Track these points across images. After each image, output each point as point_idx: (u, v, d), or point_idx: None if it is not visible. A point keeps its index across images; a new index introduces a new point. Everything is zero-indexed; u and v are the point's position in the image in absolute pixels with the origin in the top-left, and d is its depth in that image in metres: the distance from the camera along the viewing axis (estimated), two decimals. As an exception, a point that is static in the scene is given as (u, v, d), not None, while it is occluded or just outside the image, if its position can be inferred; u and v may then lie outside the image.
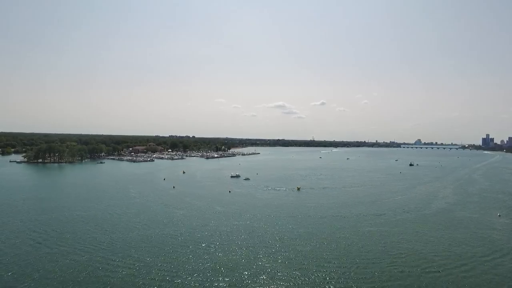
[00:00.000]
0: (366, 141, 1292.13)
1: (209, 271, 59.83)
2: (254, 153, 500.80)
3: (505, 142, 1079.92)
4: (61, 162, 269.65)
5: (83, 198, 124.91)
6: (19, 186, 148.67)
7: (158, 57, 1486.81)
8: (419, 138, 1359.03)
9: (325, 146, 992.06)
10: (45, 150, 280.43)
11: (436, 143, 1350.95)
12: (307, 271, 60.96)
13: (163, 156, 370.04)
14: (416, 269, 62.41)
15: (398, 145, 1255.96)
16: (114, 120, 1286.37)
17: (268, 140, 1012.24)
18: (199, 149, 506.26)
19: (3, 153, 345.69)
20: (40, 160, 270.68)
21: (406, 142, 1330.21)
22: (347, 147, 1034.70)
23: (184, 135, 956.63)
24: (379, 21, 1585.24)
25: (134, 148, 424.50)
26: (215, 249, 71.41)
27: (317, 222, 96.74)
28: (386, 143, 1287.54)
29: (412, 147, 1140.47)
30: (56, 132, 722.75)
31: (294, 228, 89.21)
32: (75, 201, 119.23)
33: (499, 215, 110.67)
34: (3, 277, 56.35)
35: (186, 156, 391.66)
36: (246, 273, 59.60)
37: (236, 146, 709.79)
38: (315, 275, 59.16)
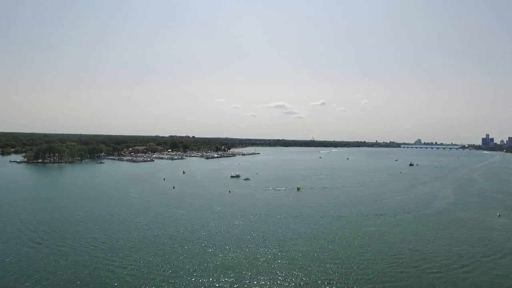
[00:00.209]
0: (366, 141, 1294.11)
1: (209, 271, 59.83)
2: (254, 153, 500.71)
3: (505, 142, 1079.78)
4: (61, 162, 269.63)
5: (83, 198, 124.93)
6: (19, 186, 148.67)
7: (158, 57, 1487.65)
8: (419, 138, 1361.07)
9: (325, 146, 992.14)
10: (45, 150, 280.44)
11: (436, 143, 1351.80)
12: (307, 271, 60.95)
13: (163, 156, 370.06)
14: (417, 269, 62.41)
15: (398, 145, 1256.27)
16: (114, 120, 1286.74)
17: (268, 140, 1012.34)
18: (199, 149, 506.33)
19: (3, 153, 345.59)
20: (40, 160, 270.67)
21: (406, 142, 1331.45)
22: (347, 147, 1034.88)
23: (184, 135, 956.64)
24: (379, 21, 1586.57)
25: (134, 148, 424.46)
26: (215, 249, 71.41)
27: (317, 222, 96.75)
28: (386, 143, 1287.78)
29: (412, 147, 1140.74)
30: (56, 132, 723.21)
31: (294, 228, 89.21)
32: (75, 201, 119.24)
33: (499, 215, 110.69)
34: (3, 277, 56.32)
35: (186, 156, 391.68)
36: (246, 273, 59.60)
37: (236, 146, 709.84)
38: (315, 275, 59.15)
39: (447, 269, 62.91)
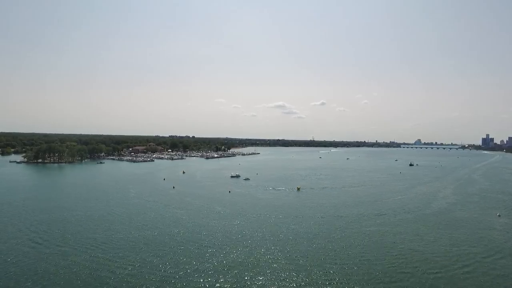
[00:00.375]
0: (366, 141, 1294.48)
1: (209, 271, 59.83)
2: (254, 153, 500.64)
3: (505, 142, 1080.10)
4: (61, 162, 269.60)
5: (83, 198, 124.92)
6: (19, 186, 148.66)
7: (158, 57, 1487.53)
8: (419, 138, 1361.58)
9: (325, 146, 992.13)
10: (45, 150, 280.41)
11: (436, 143, 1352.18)
12: (307, 271, 60.95)
13: (163, 156, 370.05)
14: (417, 270, 62.40)
15: (398, 145, 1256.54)
16: (114, 120, 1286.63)
17: (268, 140, 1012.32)
18: (199, 149, 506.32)
19: (3, 153, 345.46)
20: (40, 160, 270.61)
21: (406, 142, 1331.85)
22: (347, 147, 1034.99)
23: (184, 135, 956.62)
24: (379, 21, 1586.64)
25: (134, 148, 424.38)
26: (215, 249, 71.40)
27: (318, 222, 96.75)
28: (386, 143, 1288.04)
29: (412, 147, 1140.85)
30: (56, 132, 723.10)
31: (294, 228, 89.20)
32: (75, 201, 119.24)
33: (499, 215, 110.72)
34: (3, 278, 56.31)
35: (186, 156, 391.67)
36: (247, 273, 59.60)
37: (236, 146, 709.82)
38: (315, 275, 59.15)
39: (448, 269, 62.91)
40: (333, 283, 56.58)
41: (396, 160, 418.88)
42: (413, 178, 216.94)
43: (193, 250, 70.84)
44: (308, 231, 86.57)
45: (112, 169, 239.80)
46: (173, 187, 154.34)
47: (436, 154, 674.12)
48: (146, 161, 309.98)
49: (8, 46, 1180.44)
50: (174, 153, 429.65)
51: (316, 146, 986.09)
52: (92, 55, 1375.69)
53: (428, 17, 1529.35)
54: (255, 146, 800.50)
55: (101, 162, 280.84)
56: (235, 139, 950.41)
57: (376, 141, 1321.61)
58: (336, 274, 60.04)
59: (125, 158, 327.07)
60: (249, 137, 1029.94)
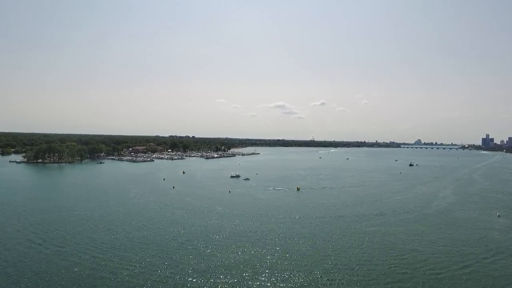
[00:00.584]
0: (366, 141, 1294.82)
1: (209, 271, 59.86)
2: (254, 153, 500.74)
3: (505, 142, 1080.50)
4: (61, 162, 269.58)
5: (83, 198, 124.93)
6: (19, 186, 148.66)
7: (158, 57, 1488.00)
8: (419, 138, 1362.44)
9: (325, 146, 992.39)
10: (45, 150, 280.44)
11: (436, 143, 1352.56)
12: (308, 271, 60.96)
13: (163, 156, 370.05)
14: (418, 270, 62.41)
15: (398, 145, 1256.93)
16: (114, 120, 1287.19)
17: (268, 140, 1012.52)
18: (199, 149, 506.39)
19: (3, 153, 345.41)
20: (40, 160, 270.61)
21: (406, 142, 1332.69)
22: (347, 147, 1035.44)
23: (184, 135, 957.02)
24: (379, 21, 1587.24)
25: (134, 148, 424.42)
26: (215, 249, 71.42)
27: (318, 222, 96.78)
28: (386, 143, 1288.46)
29: (412, 147, 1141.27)
30: (56, 132, 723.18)
31: (294, 228, 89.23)
32: (75, 201, 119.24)
33: (499, 215, 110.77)
34: (2, 278, 56.29)
35: (186, 156, 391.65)
36: (247, 273, 59.62)
37: (236, 146, 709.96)
38: (316, 275, 59.17)
39: (448, 270, 62.92)
40: (334, 283, 56.60)
41: (396, 160, 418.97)
42: (413, 178, 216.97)
43: (193, 250, 70.85)
44: (308, 231, 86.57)
45: (112, 169, 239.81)
46: (173, 187, 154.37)
47: (436, 154, 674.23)
48: (146, 161, 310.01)
49: (8, 46, 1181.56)
50: (174, 153, 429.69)
51: (316, 146, 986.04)
52: (92, 55, 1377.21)
53: (428, 17, 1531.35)
54: (255, 146, 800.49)
55: (101, 162, 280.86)
56: (235, 139, 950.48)
57: (376, 141, 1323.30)
58: (336, 274, 60.04)
59: (125, 158, 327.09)
60: (249, 137, 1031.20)
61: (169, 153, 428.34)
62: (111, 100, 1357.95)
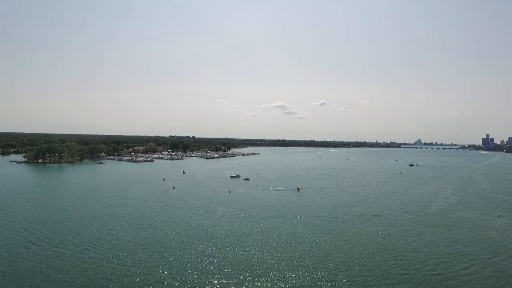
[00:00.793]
0: (366, 141, 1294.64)
1: (209, 271, 59.83)
2: (254, 154, 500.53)
3: (505, 142, 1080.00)
4: (61, 162, 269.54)
5: (83, 198, 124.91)
6: (19, 186, 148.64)
7: (159, 57, 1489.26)
8: (419, 138, 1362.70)
9: (325, 146, 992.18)
10: (45, 150, 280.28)
11: (436, 143, 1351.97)
12: (308, 271, 60.94)
13: (163, 156, 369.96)
14: (418, 270, 62.40)
15: (398, 145, 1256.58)
16: (114, 120, 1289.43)
17: (268, 140, 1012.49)
18: (199, 149, 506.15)
19: (3, 153, 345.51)
20: (40, 160, 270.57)
21: (406, 142, 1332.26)
22: (347, 147, 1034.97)
23: (184, 135, 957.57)
24: (380, 21, 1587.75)
25: (134, 148, 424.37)
26: (215, 249, 71.41)
27: (318, 222, 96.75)
28: (386, 143, 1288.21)
29: (412, 147, 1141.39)
30: (56, 132, 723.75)
31: (295, 229, 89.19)
32: (75, 201, 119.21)
33: (499, 215, 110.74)
34: (7, 276, 56.25)
35: (186, 156, 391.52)
36: (247, 273, 59.59)
37: (236, 147, 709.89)
38: (316, 276, 59.13)
39: (449, 270, 62.90)
40: (335, 283, 56.55)
41: (396, 161, 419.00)
42: (413, 178, 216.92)
43: (193, 250, 70.81)
44: (308, 231, 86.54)
45: (112, 169, 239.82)
46: (173, 187, 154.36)
47: (436, 154, 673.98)
48: (146, 161, 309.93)
49: (9, 47, 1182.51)
50: (174, 153, 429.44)
51: (316, 146, 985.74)
52: (93, 56, 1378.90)
53: (428, 16, 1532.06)
54: (255, 146, 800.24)
55: (101, 162, 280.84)
56: (235, 140, 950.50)
57: (376, 141, 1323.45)
58: (337, 274, 59.99)
59: (125, 158, 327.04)
60: (249, 138, 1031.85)
61: (169, 153, 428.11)
62: (111, 100, 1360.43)
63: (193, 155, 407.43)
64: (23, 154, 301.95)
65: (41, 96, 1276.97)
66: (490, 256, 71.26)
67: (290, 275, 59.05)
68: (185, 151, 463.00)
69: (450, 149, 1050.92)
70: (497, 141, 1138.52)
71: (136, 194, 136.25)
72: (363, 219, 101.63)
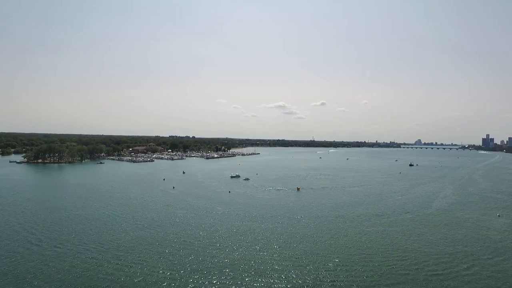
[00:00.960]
0: (366, 141, 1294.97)
1: (209, 272, 59.82)
2: (254, 154, 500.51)
3: (505, 142, 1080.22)
4: (61, 163, 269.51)
5: (83, 198, 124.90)
6: (19, 186, 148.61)
7: (159, 57, 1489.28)
8: (419, 138, 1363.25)
9: (325, 146, 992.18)
10: (45, 150, 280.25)
11: (436, 143, 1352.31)
12: (307, 271, 60.94)
13: (163, 156, 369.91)
14: (418, 270, 62.40)
15: (398, 145, 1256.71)
16: (114, 120, 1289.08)
17: (268, 140, 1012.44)
18: (199, 149, 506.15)
19: (3, 153, 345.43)
20: (40, 161, 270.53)
21: (406, 142, 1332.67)
22: (347, 147, 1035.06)
23: (184, 135, 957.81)
24: (380, 21, 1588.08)
25: (134, 148, 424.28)
26: (215, 249, 71.39)
27: (318, 222, 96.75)
28: (386, 143, 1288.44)
29: (412, 147, 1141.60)
30: (56, 132, 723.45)
31: (295, 229, 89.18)
32: (75, 201, 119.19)
33: (499, 215, 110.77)
34: (6, 277, 56.27)
35: (186, 156, 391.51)
36: (247, 273, 59.60)
37: (236, 147, 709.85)
38: (316, 276, 59.13)
39: (449, 270, 62.91)
40: (335, 283, 56.54)
41: (396, 161, 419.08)
42: (413, 178, 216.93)
43: (193, 250, 70.82)
44: (308, 231, 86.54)
45: (112, 169, 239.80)
46: (173, 187, 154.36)
47: (436, 154, 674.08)
48: (146, 161, 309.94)
49: (9, 47, 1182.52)
50: (174, 153, 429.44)
51: (316, 146, 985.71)
52: (93, 56, 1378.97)
53: (428, 16, 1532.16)
54: (255, 146, 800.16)
55: (101, 162, 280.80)
56: (235, 140, 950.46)
57: (376, 141, 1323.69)
58: (336, 274, 60.01)
59: (125, 158, 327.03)
60: (249, 138, 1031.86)
61: (169, 153, 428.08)
62: (111, 100, 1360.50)
63: (193, 155, 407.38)
64: (23, 154, 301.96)
65: (41, 96, 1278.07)
66: (490, 256, 71.28)
67: (290, 275, 59.04)
68: (185, 151, 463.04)
69: (450, 149, 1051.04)
70: (497, 141, 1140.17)
71: (136, 194, 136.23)
72: (363, 219, 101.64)
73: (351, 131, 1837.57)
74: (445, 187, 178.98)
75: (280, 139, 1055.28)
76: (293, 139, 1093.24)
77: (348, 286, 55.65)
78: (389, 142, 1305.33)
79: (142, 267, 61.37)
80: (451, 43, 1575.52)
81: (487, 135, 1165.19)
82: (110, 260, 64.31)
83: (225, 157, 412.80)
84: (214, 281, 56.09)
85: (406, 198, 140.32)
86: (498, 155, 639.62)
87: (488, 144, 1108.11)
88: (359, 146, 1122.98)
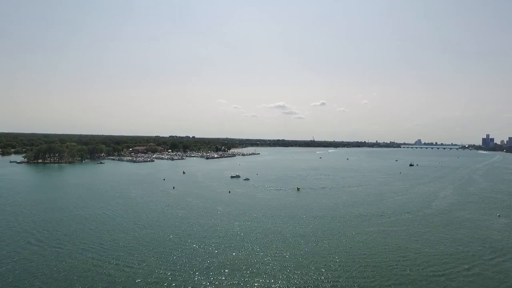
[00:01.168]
0: (366, 141, 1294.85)
1: (209, 272, 59.82)
2: (254, 154, 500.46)
3: (505, 142, 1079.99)
4: (61, 163, 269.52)
5: (83, 198, 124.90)
6: (19, 187, 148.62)
7: (159, 57, 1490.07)
8: (419, 138, 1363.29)
9: (325, 146, 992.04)
10: (45, 150, 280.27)
11: (436, 143, 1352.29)
12: (307, 271, 60.95)
13: (163, 156, 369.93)
14: (418, 269, 62.40)
15: (398, 145, 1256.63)
16: (114, 120, 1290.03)
17: (269, 140, 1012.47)
18: (199, 149, 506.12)
19: (3, 154, 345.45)
20: (40, 161, 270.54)
21: (406, 142, 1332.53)
22: (347, 147, 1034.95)
23: (184, 135, 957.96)
24: (380, 21, 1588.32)
25: (134, 148, 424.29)
26: (216, 249, 71.39)
27: (317, 222, 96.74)
28: (386, 143, 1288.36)
29: (412, 147, 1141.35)
30: (56, 132, 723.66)
31: (295, 228, 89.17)
32: (75, 201, 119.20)
33: (499, 215, 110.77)
34: (6, 277, 56.30)
35: (186, 156, 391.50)
36: (247, 273, 59.60)
37: (236, 147, 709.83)
38: (315, 275, 59.13)
39: (449, 270, 62.88)
40: (333, 283, 56.52)
41: (396, 161, 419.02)
42: (413, 178, 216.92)
43: (193, 250, 70.82)
44: (308, 231, 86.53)
45: (112, 169, 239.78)
46: (173, 188, 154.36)
47: (436, 154, 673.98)
48: (146, 161, 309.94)
49: (9, 47, 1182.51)
50: (174, 153, 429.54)
51: (316, 146, 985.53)
52: (93, 56, 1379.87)
53: (428, 16, 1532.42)
54: (255, 146, 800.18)
55: (101, 162, 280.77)
56: (236, 140, 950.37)
57: (376, 141, 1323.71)
58: (336, 274, 59.99)
59: (125, 158, 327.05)
60: (250, 138, 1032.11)
61: (169, 153, 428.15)
62: (111, 100, 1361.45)
63: (193, 155, 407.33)
64: (23, 154, 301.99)
65: (41, 96, 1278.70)
66: (491, 256, 71.26)
67: (291, 275, 59.03)
68: (185, 151, 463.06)
69: (450, 149, 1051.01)
70: (497, 141, 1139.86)
71: (136, 194, 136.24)
72: (363, 219, 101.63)
73: (351, 131, 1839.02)
74: (445, 187, 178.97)
75: (280, 139, 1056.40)
76: (293, 139, 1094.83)
77: (349, 286, 55.64)
78: (389, 142, 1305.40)
79: (142, 267, 61.38)
80: (451, 43, 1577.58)
81: (487, 135, 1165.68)
82: (110, 260, 64.29)
83: (225, 157, 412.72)
84: (214, 281, 56.09)
85: (406, 198, 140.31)
86: (498, 155, 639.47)
87: (488, 144, 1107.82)
88: (359, 146, 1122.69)
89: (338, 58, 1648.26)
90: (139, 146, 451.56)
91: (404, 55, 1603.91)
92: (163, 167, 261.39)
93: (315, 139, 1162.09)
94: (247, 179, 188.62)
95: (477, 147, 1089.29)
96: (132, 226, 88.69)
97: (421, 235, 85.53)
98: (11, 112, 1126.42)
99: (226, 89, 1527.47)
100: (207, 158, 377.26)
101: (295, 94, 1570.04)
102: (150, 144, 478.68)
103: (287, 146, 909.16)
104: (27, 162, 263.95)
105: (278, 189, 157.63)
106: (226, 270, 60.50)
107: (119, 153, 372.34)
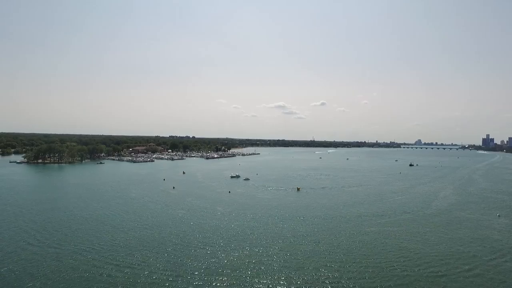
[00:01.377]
0: (366, 141, 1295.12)
1: (210, 271, 59.80)
2: (254, 154, 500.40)
3: (505, 142, 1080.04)
4: (61, 163, 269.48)
5: (83, 198, 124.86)
6: (19, 187, 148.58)
7: (159, 57, 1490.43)
8: (419, 138, 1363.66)
9: (325, 146, 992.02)
10: (45, 150, 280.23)
11: (436, 143, 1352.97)
12: (307, 271, 60.92)
13: (163, 156, 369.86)
14: (418, 270, 62.39)
15: (398, 145, 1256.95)
16: (114, 120, 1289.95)
17: (268, 140, 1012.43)
18: (199, 149, 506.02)
19: (3, 154, 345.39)
20: (40, 161, 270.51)
21: (406, 142, 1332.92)
22: (347, 147, 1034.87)
23: (184, 135, 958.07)
24: (380, 21, 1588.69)
25: (134, 148, 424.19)
26: (216, 249, 71.37)
27: (317, 222, 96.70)
28: (386, 143, 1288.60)
29: (412, 147, 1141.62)
30: (56, 133, 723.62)
31: (295, 229, 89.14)
32: (75, 202, 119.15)
33: (499, 215, 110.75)
34: (6, 277, 56.29)
35: (186, 156, 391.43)
36: (247, 273, 59.58)
37: (236, 147, 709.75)
38: (315, 275, 59.10)
39: (449, 270, 62.85)
40: (333, 283, 56.50)
41: (396, 161, 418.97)
42: (413, 178, 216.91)
43: (194, 250, 70.79)
44: (308, 232, 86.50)
45: (112, 169, 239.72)
46: (173, 188, 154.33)
47: (436, 154, 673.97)
48: (146, 161, 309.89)
49: (9, 47, 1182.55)
50: (174, 153, 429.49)
51: (316, 146, 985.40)
52: (93, 56, 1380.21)
53: (428, 16, 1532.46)
54: (255, 146, 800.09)
55: (101, 163, 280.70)
56: (236, 140, 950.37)
57: (376, 141, 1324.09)
58: (336, 274, 59.94)
59: (125, 158, 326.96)
60: (250, 138, 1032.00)
61: (169, 153, 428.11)
62: (111, 100, 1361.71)
63: (193, 155, 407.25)
64: (23, 154, 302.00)
65: (41, 96, 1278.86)
66: (491, 256, 71.23)
67: (291, 275, 59.00)
68: (185, 151, 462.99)
69: (450, 149, 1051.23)
70: (497, 141, 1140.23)
71: (136, 194, 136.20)
72: (363, 219, 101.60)
73: (351, 131, 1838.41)
74: (445, 187, 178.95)
75: (280, 139, 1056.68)
76: (293, 139, 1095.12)
77: (349, 286, 55.62)
78: (389, 142, 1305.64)
79: (142, 267, 61.34)
80: (451, 43, 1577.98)
81: (487, 135, 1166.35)
82: (111, 260, 64.25)
83: (225, 157, 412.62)
84: (214, 281, 56.05)
85: (406, 198, 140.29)
86: (498, 155, 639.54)
87: (488, 144, 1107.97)
88: (359, 146, 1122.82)
89: (338, 58, 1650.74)
90: (139, 146, 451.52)
91: (404, 55, 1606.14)
92: (163, 167, 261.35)
93: (315, 139, 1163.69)
94: (247, 179, 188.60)
95: (477, 147, 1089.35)
96: (132, 226, 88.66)
97: (421, 235, 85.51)
98: (11, 112, 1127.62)
99: (226, 89, 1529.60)
100: (207, 158, 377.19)
101: (295, 94, 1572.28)
102: (150, 144, 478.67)
103: (287, 146, 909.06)
104: (27, 162, 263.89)
105: (278, 189, 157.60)
106: (226, 270, 60.45)
107: (119, 153, 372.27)
